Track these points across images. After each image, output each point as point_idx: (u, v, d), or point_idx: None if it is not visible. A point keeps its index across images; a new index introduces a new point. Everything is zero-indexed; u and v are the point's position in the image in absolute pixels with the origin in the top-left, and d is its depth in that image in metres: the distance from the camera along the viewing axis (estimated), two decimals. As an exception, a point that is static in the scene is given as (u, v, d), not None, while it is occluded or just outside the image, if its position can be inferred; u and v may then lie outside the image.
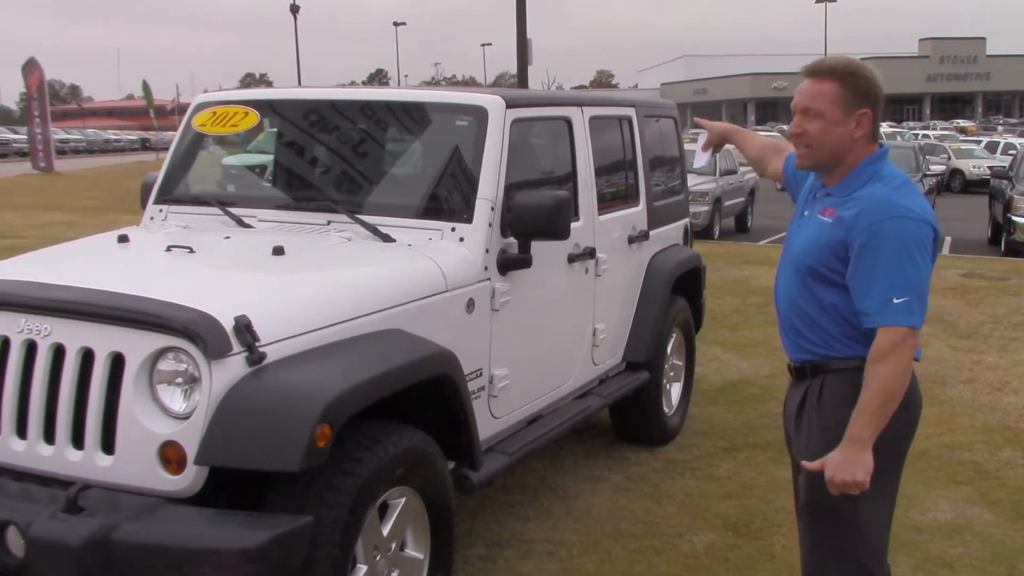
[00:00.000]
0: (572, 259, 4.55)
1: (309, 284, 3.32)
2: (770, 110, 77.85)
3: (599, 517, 4.74)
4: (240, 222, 4.12)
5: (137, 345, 2.90)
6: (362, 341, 3.18)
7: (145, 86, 43.18)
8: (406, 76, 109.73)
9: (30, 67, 31.73)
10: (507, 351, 4.05)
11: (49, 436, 3.00)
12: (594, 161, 4.86)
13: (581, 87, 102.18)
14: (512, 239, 3.97)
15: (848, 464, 2.57)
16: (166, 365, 2.90)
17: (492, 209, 3.91)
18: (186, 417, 2.84)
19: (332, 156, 4.36)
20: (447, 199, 4.01)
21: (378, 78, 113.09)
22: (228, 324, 2.87)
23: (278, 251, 3.53)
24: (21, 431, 3.04)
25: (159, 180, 4.52)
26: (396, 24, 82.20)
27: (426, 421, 3.48)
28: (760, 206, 19.99)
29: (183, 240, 3.72)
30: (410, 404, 3.40)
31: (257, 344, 2.89)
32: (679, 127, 6.29)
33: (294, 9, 57.48)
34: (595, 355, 4.95)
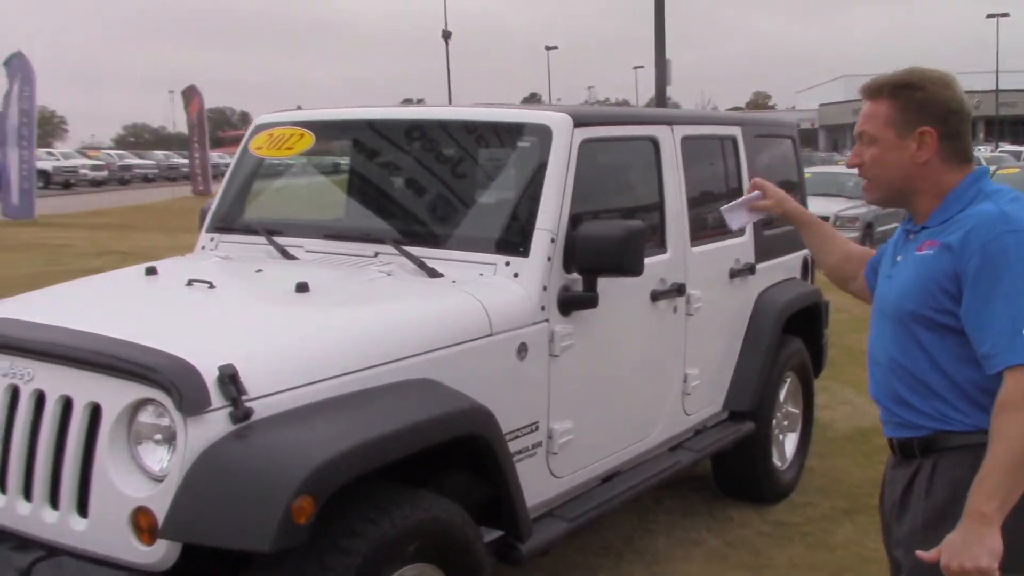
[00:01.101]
0: (656, 296, 4.03)
1: (322, 327, 2.93)
2: (936, 131, 73.99)
3: (686, 589, 4.19)
4: (285, 253, 3.80)
5: (115, 395, 2.57)
6: (376, 394, 2.77)
7: (300, 113, 44.53)
8: (559, 99, 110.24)
9: (189, 94, 33.09)
10: (571, 402, 3.57)
11: (28, 492, 2.70)
12: (688, 186, 4.32)
13: (736, 108, 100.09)
14: (577, 275, 3.50)
15: (968, 546, 2.03)
16: (146, 418, 2.56)
17: (552, 241, 3.45)
18: (161, 480, 2.49)
19: (385, 181, 4.00)
20: (502, 229, 3.57)
21: (531, 102, 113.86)
22: (210, 374, 2.50)
23: (301, 288, 3.17)
24: (2, 485, 2.76)
25: (212, 207, 4.26)
26: (548, 48, 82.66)
27: (465, 484, 3.05)
28: (917, 232, 18.67)
29: (210, 274, 3.40)
30: (445, 464, 2.99)
31: (244, 398, 2.51)
32: (798, 147, 5.66)
33: (446, 35, 58.45)
34: (687, 404, 4.39)
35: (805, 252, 5.60)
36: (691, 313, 4.30)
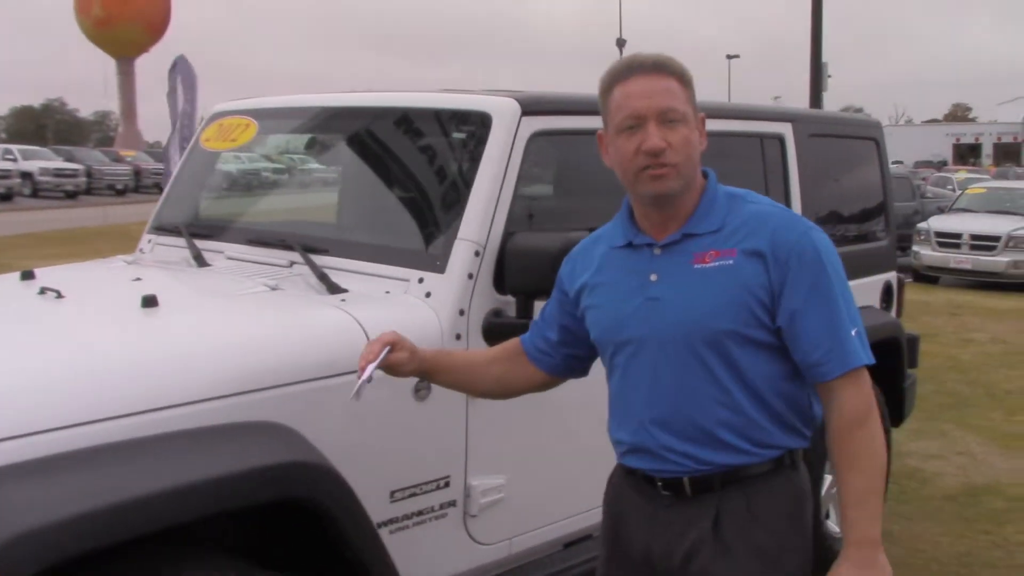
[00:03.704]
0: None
1: (126, 353, 2.37)
2: None
3: None
4: (199, 259, 3.29)
5: None
6: (162, 442, 2.17)
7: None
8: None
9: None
10: (501, 452, 2.90)
11: None
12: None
13: (932, 121, 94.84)
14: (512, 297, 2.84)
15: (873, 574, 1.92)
16: None
17: (477, 255, 2.80)
18: None
19: (316, 177, 3.45)
20: (419, 239, 2.95)
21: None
22: None
23: (149, 302, 2.64)
24: None
25: (157, 207, 3.81)
26: (729, 57, 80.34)
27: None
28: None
29: (73, 282, 2.93)
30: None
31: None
32: (882, 151, 4.75)
33: (620, 43, 57.59)
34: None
35: (887, 276, 4.69)
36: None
